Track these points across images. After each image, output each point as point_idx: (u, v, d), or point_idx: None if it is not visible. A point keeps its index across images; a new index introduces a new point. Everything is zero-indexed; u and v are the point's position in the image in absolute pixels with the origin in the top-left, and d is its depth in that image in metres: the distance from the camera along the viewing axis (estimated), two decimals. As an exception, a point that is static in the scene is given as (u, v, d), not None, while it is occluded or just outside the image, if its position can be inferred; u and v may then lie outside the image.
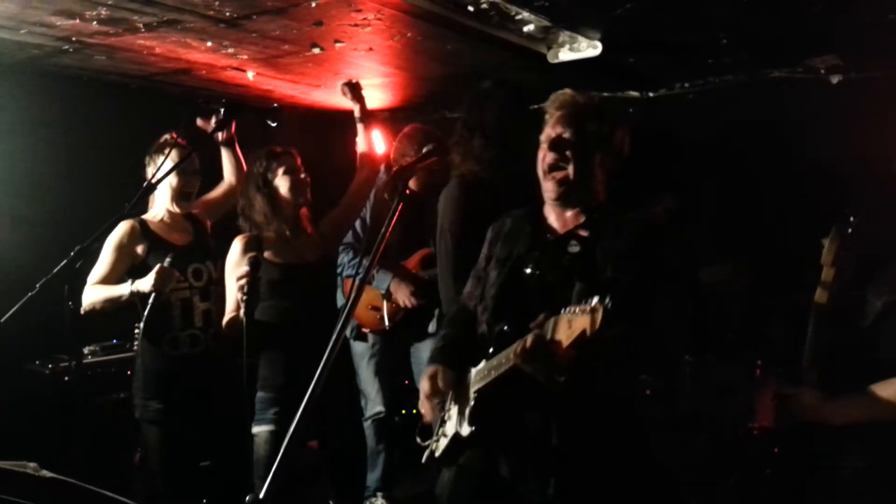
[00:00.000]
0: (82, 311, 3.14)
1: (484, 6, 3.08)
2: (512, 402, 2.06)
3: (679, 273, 2.20)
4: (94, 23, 3.18)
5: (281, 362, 3.02)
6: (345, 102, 4.99)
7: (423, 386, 2.27)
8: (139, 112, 4.27)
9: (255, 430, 2.99)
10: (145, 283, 3.06)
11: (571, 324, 1.79)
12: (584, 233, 2.19)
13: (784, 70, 3.98)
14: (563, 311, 1.84)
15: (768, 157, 4.00)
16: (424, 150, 2.10)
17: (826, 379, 2.04)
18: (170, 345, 3.23)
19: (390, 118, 5.29)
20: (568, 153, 2.19)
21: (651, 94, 4.59)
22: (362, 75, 4.24)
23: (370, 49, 3.68)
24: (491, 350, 2.12)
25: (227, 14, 3.12)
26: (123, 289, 3.11)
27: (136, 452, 3.73)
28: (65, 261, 2.35)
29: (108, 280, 3.17)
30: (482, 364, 2.14)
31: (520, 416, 2.08)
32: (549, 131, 2.24)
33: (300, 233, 3.17)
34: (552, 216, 2.29)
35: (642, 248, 2.13)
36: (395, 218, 1.95)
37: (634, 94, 4.63)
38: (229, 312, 3.01)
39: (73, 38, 3.41)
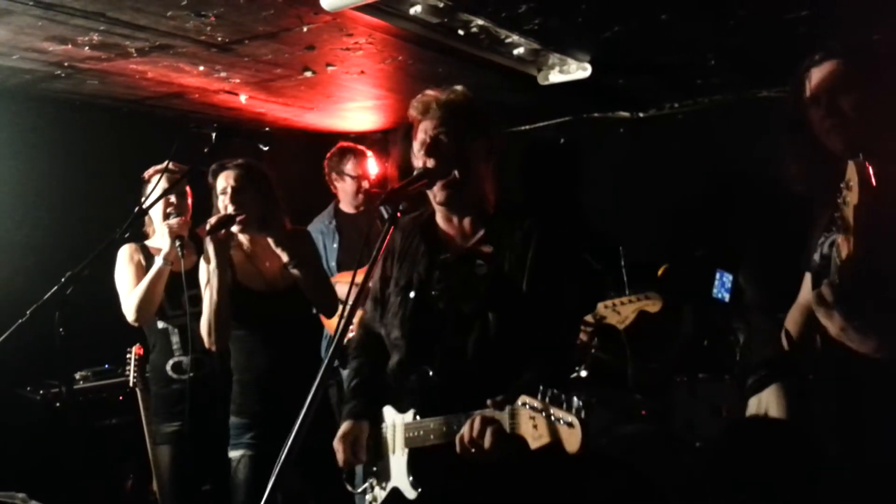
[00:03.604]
0: (135, 323, 3.23)
1: (474, 30, 3.11)
2: (449, 464, 1.90)
3: (583, 271, 2.07)
4: (87, 48, 3.19)
5: (256, 390, 2.99)
6: (338, 125, 5.05)
7: (339, 445, 2.10)
8: (131, 136, 4.27)
9: (232, 454, 2.96)
10: (165, 247, 3.16)
11: (537, 426, 1.66)
12: (488, 249, 2.03)
13: (773, 90, 4.02)
14: (520, 401, 1.70)
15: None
16: (415, 172, 2.07)
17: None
18: (174, 370, 3.30)
19: (382, 140, 5.32)
20: (448, 154, 2.01)
21: (641, 115, 4.63)
22: (354, 98, 4.27)
23: (362, 72, 3.70)
24: (418, 400, 1.98)
25: (220, 39, 3.14)
26: (155, 265, 3.18)
27: (128, 479, 3.71)
28: (56, 287, 2.34)
29: None
30: (410, 417, 2.00)
31: (461, 478, 1.92)
32: (421, 136, 2.05)
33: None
34: (446, 226, 2.12)
35: (551, 259, 1.99)
36: (385, 241, 1.94)
37: (625, 114, 4.67)
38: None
39: (66, 64, 3.42)
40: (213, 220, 2.86)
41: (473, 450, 1.78)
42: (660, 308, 1.82)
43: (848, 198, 1.80)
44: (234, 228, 2.94)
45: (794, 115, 2.07)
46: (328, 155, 4.29)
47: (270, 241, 2.95)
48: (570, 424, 1.61)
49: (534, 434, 1.67)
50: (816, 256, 2.05)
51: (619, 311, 1.85)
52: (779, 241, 2.27)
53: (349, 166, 4.17)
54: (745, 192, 3.95)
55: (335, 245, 4.15)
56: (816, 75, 2.01)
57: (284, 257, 2.94)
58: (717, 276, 3.35)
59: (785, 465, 2.09)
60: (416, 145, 2.07)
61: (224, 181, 2.96)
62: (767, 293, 2.20)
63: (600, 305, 2.02)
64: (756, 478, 2.17)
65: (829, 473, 1.96)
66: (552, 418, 1.63)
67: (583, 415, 1.60)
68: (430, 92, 2.09)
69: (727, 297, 3.29)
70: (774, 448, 2.10)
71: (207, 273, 2.87)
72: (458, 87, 2.10)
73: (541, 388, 1.68)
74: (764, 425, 2.08)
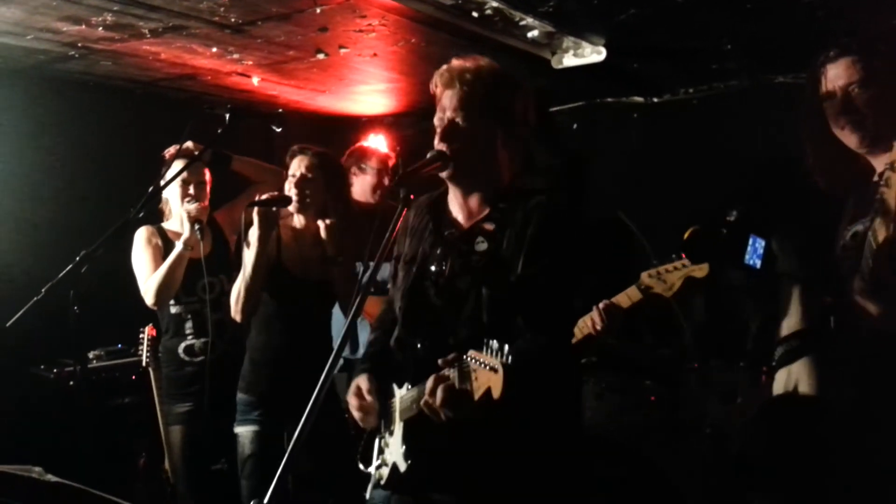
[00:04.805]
0: (154, 307, 3.27)
1: (488, 12, 3.09)
2: (438, 433, 1.90)
3: (589, 259, 2.05)
4: (100, 28, 3.19)
5: (267, 370, 3.03)
6: (350, 107, 5.04)
7: (351, 401, 2.13)
8: (144, 117, 4.28)
9: (238, 430, 3.03)
10: (186, 232, 3.18)
11: (477, 377, 1.69)
12: (489, 227, 2.00)
13: (788, 75, 3.98)
14: (467, 357, 1.73)
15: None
16: (429, 155, 2.06)
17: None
18: (186, 353, 3.35)
19: (394, 123, 5.31)
20: (462, 138, 1.97)
21: (655, 100, 4.60)
22: (366, 80, 4.26)
23: (374, 55, 3.69)
24: (411, 372, 2.00)
25: (233, 20, 3.13)
26: (175, 250, 3.20)
27: (141, 457, 3.75)
28: (70, 265, 2.35)
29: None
30: (405, 390, 2.02)
31: (447, 450, 1.93)
32: (439, 115, 2.01)
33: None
34: (455, 204, 2.09)
35: (550, 239, 1.94)
36: (398, 224, 1.94)
37: (639, 99, 4.64)
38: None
39: (79, 44, 3.42)
40: (266, 195, 2.94)
41: (429, 409, 1.81)
42: (707, 272, 1.78)
43: (892, 179, 1.78)
44: (291, 208, 3.02)
45: (811, 110, 2.07)
46: (347, 153, 4.30)
47: (322, 229, 2.98)
48: (493, 369, 1.64)
49: (475, 385, 1.71)
50: (839, 250, 2.05)
51: (665, 280, 1.79)
52: (812, 210, 2.26)
53: (372, 162, 4.21)
54: (761, 178, 3.91)
55: None
56: (831, 72, 2.02)
57: (329, 249, 2.98)
58: (750, 241, 3.26)
59: (815, 444, 2.07)
60: (435, 121, 2.04)
61: (297, 165, 3.05)
62: (800, 263, 2.18)
63: (644, 275, 1.97)
64: (786, 459, 2.16)
65: (846, 455, 1.96)
66: (484, 366, 1.67)
67: (508, 360, 1.62)
68: (456, 63, 2.02)
69: (759, 263, 3.21)
70: (807, 428, 2.09)
71: (249, 242, 2.92)
72: (484, 62, 2.02)
73: (484, 340, 1.69)
74: (797, 405, 2.06)
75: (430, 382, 1.81)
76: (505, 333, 1.87)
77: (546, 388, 1.94)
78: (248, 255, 2.90)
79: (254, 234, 2.88)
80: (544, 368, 1.90)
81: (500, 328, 1.89)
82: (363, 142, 4.46)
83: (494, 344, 1.67)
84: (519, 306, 1.92)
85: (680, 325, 3.39)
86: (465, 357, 1.75)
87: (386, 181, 4.27)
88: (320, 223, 3.00)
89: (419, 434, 1.96)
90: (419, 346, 1.99)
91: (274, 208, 2.95)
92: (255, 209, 2.89)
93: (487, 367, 1.66)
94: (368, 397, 2.09)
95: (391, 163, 4.35)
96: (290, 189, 3.02)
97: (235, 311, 2.96)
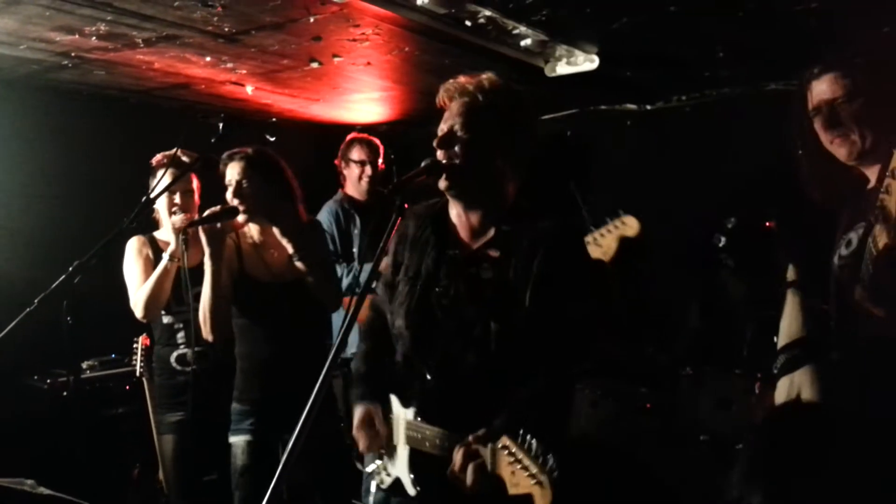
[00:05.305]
0: (144, 320, 3.23)
1: (481, 21, 3.10)
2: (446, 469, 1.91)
3: (595, 287, 2.05)
4: (94, 38, 3.19)
5: (257, 378, 3.01)
6: (344, 116, 5.05)
7: (360, 433, 2.12)
8: (138, 127, 4.28)
9: (232, 439, 2.99)
10: (173, 245, 3.14)
11: (515, 474, 1.69)
12: (494, 253, 2.01)
13: (781, 83, 4.00)
14: (500, 443, 1.73)
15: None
16: (423, 164, 2.06)
17: None
18: (178, 362, 3.32)
19: (388, 131, 5.31)
20: (460, 149, 1.98)
21: (648, 107, 4.61)
22: (360, 89, 4.27)
23: (368, 63, 3.69)
24: (417, 398, 2.02)
25: (226, 29, 3.14)
26: (161, 263, 3.16)
27: (135, 467, 3.73)
28: (63, 276, 2.34)
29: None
30: (411, 415, 2.02)
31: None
32: (441, 126, 2.03)
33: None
34: (457, 219, 2.10)
35: (557, 274, 1.95)
36: (392, 232, 1.93)
37: (632, 106, 4.66)
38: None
39: (73, 54, 3.42)
40: (208, 211, 2.87)
41: (455, 480, 1.82)
42: (638, 230, 1.76)
43: (892, 186, 1.79)
44: (240, 218, 2.94)
45: (801, 125, 2.11)
46: (341, 147, 4.36)
47: (277, 231, 2.94)
48: (540, 484, 1.64)
49: (511, 480, 1.71)
50: (835, 258, 2.07)
51: (601, 244, 1.78)
52: (808, 218, 2.29)
53: (354, 153, 4.26)
54: (757, 185, 3.92)
55: (356, 231, 4.15)
56: (817, 88, 2.07)
57: (290, 249, 2.93)
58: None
59: (819, 452, 2.07)
60: (438, 133, 2.05)
61: (230, 173, 2.95)
62: (798, 271, 2.20)
63: None
64: (789, 467, 2.16)
65: (850, 463, 1.95)
66: (527, 472, 1.67)
67: (554, 475, 1.64)
68: (461, 79, 2.04)
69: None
70: (810, 436, 2.09)
71: (203, 262, 2.88)
72: (487, 76, 2.04)
73: (520, 433, 1.71)
74: (800, 413, 2.06)
75: (458, 457, 1.81)
76: (513, 366, 1.91)
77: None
78: (206, 274, 2.85)
79: (206, 252, 2.83)
80: (551, 406, 1.93)
81: (506, 357, 1.91)
82: (351, 136, 4.44)
83: (531, 441, 1.68)
84: (526, 338, 1.93)
85: (618, 293, 3.39)
86: (499, 444, 1.74)
87: (369, 171, 4.27)
88: (275, 229, 2.95)
89: (428, 468, 1.98)
90: (428, 376, 2.00)
91: (218, 224, 2.85)
92: (200, 228, 2.82)
93: (530, 477, 1.66)
94: (382, 429, 2.10)
95: (380, 152, 4.34)
96: (231, 199, 2.91)
97: (206, 333, 2.92)
